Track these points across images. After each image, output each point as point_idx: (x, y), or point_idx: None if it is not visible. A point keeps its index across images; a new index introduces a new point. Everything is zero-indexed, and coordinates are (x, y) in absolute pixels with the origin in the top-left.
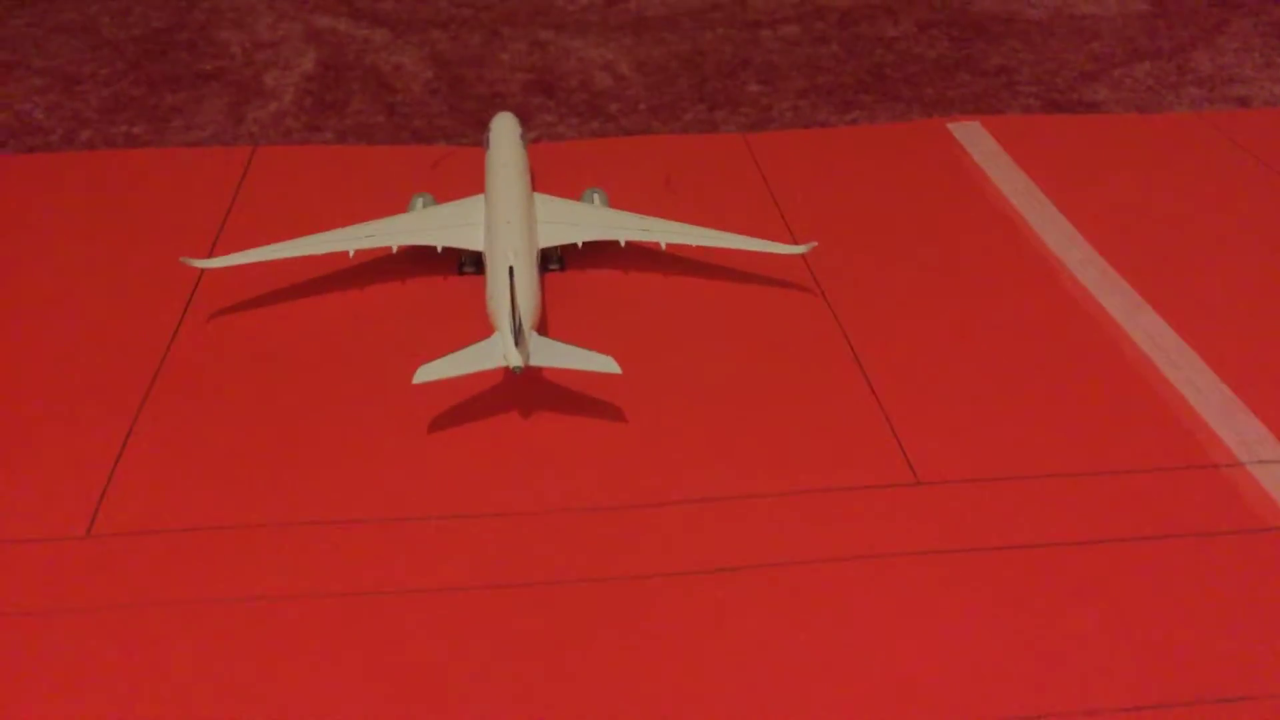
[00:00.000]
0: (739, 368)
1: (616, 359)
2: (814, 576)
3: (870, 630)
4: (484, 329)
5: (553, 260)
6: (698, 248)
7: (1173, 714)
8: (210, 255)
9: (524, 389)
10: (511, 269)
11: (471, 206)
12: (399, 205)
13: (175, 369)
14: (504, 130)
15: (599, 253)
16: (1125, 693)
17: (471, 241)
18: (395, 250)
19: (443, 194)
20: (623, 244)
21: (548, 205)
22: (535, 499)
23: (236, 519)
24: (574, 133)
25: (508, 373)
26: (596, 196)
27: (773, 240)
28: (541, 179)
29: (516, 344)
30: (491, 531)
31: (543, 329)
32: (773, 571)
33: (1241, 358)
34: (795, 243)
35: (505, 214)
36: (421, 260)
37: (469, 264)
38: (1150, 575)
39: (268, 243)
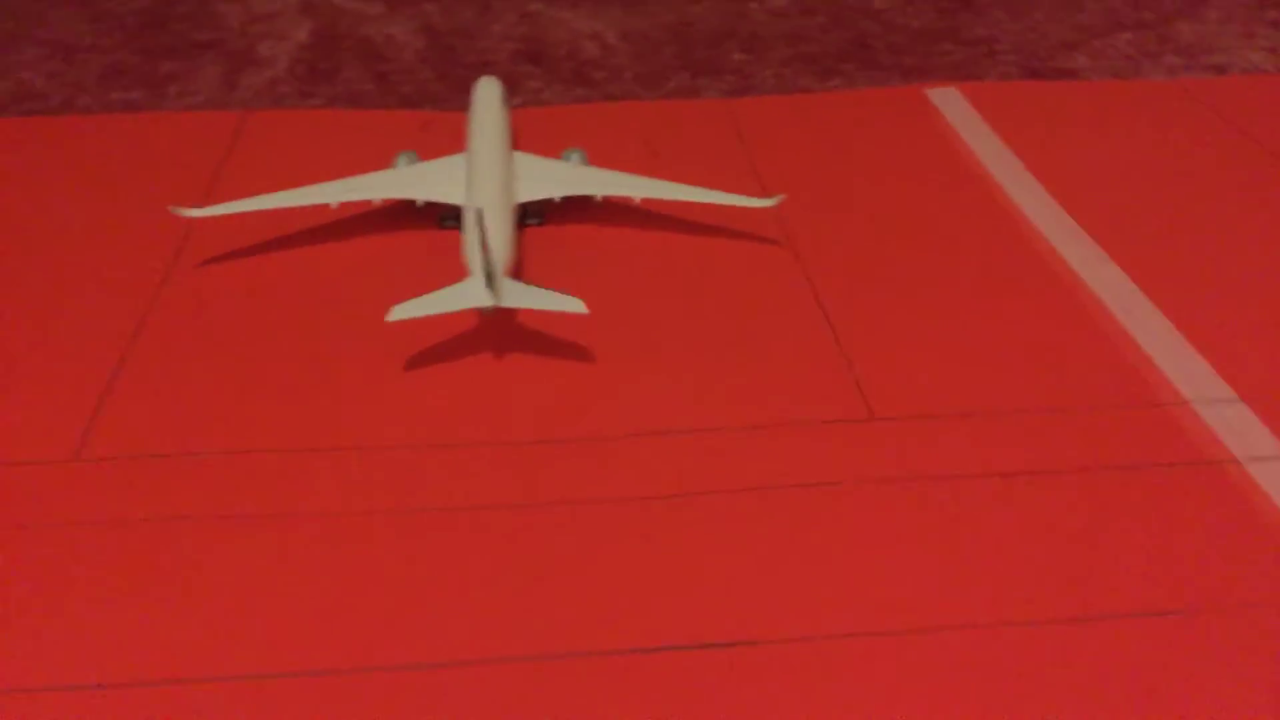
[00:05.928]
0: (707, 313)
1: (588, 305)
2: (768, 501)
3: (823, 547)
4: (460, 279)
5: (532, 215)
6: (673, 204)
7: (1111, 624)
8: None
9: (497, 330)
10: (480, 211)
11: (452, 164)
12: (385, 166)
13: (165, 310)
14: (486, 93)
15: (578, 209)
16: (1065, 606)
17: (450, 196)
18: (378, 203)
19: (429, 157)
20: (598, 199)
21: (526, 163)
22: (506, 431)
23: (219, 445)
24: (559, 99)
25: (481, 315)
26: (575, 156)
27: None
28: (524, 141)
29: (488, 286)
30: (461, 460)
31: (518, 278)
32: (731, 497)
33: (1196, 308)
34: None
35: (482, 168)
36: (404, 215)
37: (450, 219)
38: (1092, 503)
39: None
